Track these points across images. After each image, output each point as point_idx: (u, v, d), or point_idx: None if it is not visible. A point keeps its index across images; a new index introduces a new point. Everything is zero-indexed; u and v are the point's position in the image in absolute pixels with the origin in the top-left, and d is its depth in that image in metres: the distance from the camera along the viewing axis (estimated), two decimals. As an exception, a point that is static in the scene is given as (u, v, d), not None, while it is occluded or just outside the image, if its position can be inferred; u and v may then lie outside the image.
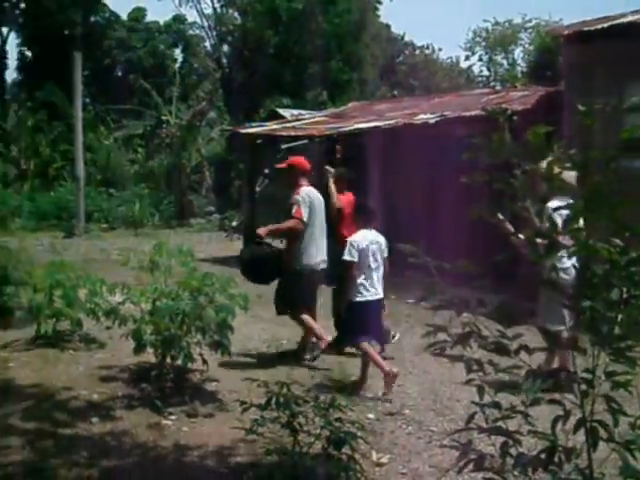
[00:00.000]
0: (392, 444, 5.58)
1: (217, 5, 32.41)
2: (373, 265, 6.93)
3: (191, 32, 50.07)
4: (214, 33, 32.87)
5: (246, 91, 29.78)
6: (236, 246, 17.74)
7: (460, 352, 3.02)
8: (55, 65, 36.79)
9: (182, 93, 32.05)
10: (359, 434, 4.53)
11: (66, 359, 7.78)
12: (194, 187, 27.91)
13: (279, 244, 8.82)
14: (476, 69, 47.20)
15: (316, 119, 18.70)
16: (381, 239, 7.09)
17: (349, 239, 7.04)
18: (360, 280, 6.86)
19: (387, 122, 14.37)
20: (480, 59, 43.82)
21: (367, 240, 6.95)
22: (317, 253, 7.80)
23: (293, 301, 7.76)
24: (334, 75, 32.17)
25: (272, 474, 4.38)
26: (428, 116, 13.56)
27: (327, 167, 9.24)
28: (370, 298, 6.92)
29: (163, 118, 29.03)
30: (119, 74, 48.43)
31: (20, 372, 7.27)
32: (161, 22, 52.50)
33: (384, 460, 5.20)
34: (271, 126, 18.19)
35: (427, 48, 45.54)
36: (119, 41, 48.58)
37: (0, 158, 29.15)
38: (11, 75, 52.38)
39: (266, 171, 20.95)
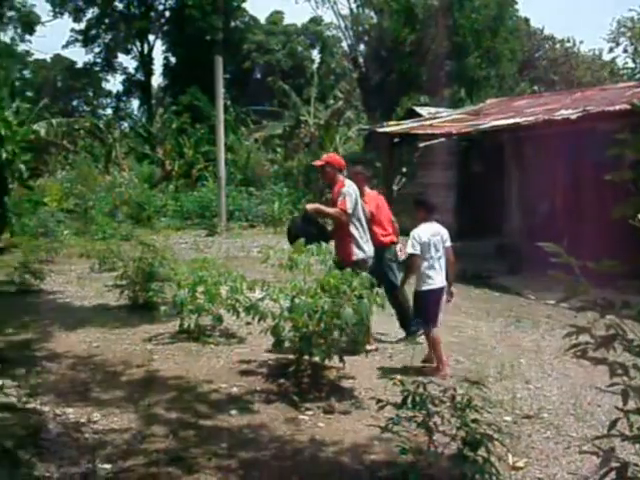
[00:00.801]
0: (529, 448, 5.45)
1: (353, 5, 32.57)
2: (435, 256, 7.37)
3: (328, 33, 50.70)
4: (351, 33, 33.04)
5: (383, 90, 29.78)
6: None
7: (603, 355, 2.92)
8: (198, 70, 38.11)
9: (320, 93, 32.43)
10: (495, 436, 4.44)
11: (207, 353, 8.04)
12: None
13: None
14: (620, 61, 45.30)
15: (453, 117, 18.49)
16: (443, 231, 7.54)
17: (411, 233, 7.44)
18: (424, 270, 7.31)
19: (526, 119, 14.01)
20: (625, 51, 41.84)
21: (428, 233, 7.40)
22: (365, 244, 7.99)
23: None
24: (471, 71, 31.69)
25: (407, 473, 4.37)
26: (569, 112, 13.13)
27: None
28: (434, 287, 7.34)
29: (301, 118, 29.44)
30: (258, 76, 49.58)
31: (164, 364, 7.59)
32: (299, 24, 53.41)
33: (520, 464, 5.08)
34: (408, 124, 18.12)
35: (568, 41, 43.99)
36: (258, 44, 49.74)
37: (146, 160, 30.48)
38: (157, 80, 54.66)
39: (404, 170, 20.91)
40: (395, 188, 18.51)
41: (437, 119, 18.45)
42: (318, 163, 8.53)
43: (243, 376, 7.13)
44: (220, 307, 8.51)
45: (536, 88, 34.24)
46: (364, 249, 7.93)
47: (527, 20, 43.04)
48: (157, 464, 4.98)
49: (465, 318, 10.08)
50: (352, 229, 7.90)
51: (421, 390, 4.64)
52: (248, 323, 8.41)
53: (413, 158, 20.69)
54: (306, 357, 6.73)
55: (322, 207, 8.29)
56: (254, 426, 5.77)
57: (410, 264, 7.50)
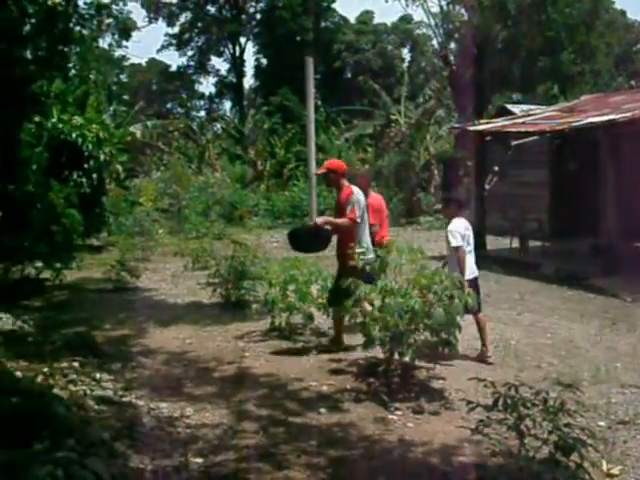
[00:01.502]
0: (624, 455, 5.29)
1: (443, 3, 32.19)
2: (468, 248, 7.94)
3: (418, 31, 50.35)
4: (441, 31, 32.68)
5: (474, 88, 29.32)
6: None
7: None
8: (288, 70, 38.44)
9: (410, 92, 32.28)
10: (589, 441, 4.32)
11: (298, 351, 8.12)
12: (423, 185, 27.95)
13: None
14: None
15: (547, 114, 18.07)
16: (470, 226, 8.16)
17: (450, 228, 7.91)
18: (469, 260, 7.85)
19: (623, 115, 13.58)
20: None
21: (463, 227, 7.97)
22: (367, 250, 7.90)
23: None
24: (565, 67, 30.96)
25: (497, 476, 4.31)
26: (670, 107, 12.67)
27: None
28: (473, 276, 7.82)
29: (392, 117, 29.32)
30: (348, 76, 49.63)
31: (255, 362, 7.71)
32: (388, 23, 53.25)
33: (615, 471, 4.93)
34: (500, 122, 17.83)
35: (667, 33, 42.60)
36: (348, 44, 49.79)
37: (239, 160, 30.91)
38: (248, 82, 55.42)
39: (495, 168, 20.58)
40: (487, 187, 18.22)
41: (530, 116, 18.08)
42: (321, 171, 8.66)
43: (333, 375, 7.17)
44: (311, 306, 8.58)
45: (633, 83, 33.16)
46: (367, 254, 7.84)
47: (624, 13, 41.83)
48: (247, 459, 5.07)
49: (558, 319, 9.86)
50: (358, 235, 7.94)
51: (512, 392, 4.56)
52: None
53: (505, 156, 20.36)
54: (396, 357, 6.71)
55: (332, 219, 8.32)
56: (343, 425, 5.79)
57: (460, 255, 7.78)
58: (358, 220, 7.88)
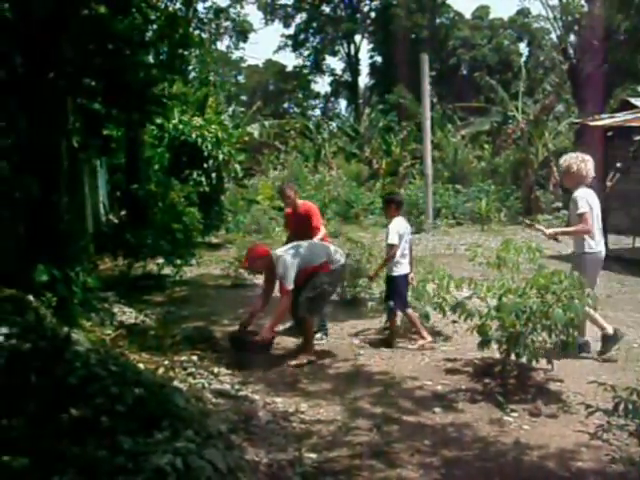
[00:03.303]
0: None
1: (563, -6, 31.30)
2: (406, 246, 8.41)
3: (536, 25, 49.19)
4: (560, 23, 31.77)
5: (595, 81, 28.38)
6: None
7: None
8: (403, 68, 38.32)
9: (528, 87, 31.56)
10: None
11: (413, 350, 8.10)
12: (541, 182, 27.32)
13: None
14: None
15: (674, 107, 17.33)
16: (409, 225, 8.66)
17: (390, 227, 8.33)
18: (398, 259, 8.28)
19: None
20: None
21: (403, 227, 8.40)
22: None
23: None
24: (697, 58, 29.51)
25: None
26: None
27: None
28: (403, 273, 8.34)
29: (509, 114, 28.78)
30: (464, 72, 49.06)
31: (370, 359, 7.74)
32: (505, 18, 52.30)
33: None
34: (623, 117, 17.20)
35: None
36: (464, 40, 49.24)
37: (354, 158, 31.04)
38: (363, 80, 55.60)
39: (618, 165, 19.87)
40: (608, 184, 17.63)
41: (656, 110, 17.36)
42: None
43: (448, 374, 7.12)
44: (427, 305, 8.54)
45: None
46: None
47: None
48: (360, 457, 5.09)
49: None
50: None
51: (634, 397, 4.41)
52: (454, 321, 8.39)
53: (628, 152, 19.63)
54: (513, 357, 6.60)
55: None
56: (458, 425, 5.74)
57: (392, 253, 8.26)
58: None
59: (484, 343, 6.68)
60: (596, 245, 7.62)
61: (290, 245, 8.05)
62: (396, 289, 8.33)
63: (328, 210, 23.57)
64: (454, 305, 7.15)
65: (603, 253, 7.77)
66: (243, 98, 52.89)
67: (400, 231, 8.34)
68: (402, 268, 8.36)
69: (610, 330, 7.59)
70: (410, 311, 8.40)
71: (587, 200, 7.58)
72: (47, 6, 7.95)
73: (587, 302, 6.32)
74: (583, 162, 7.79)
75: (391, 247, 8.27)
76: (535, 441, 5.35)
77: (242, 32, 47.41)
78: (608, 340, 7.59)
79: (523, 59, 47.31)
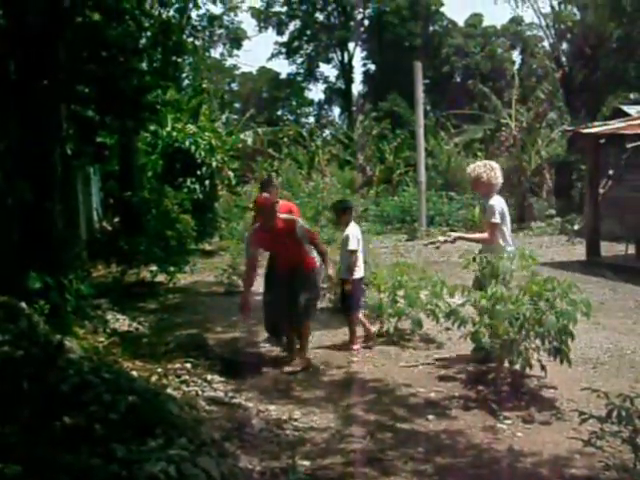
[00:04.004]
0: None
1: (555, 2, 31.47)
2: (362, 250, 8.75)
3: (529, 33, 49.44)
4: (552, 32, 31.95)
5: (587, 89, 28.57)
6: (578, 250, 17.15)
7: None
8: (397, 75, 38.44)
9: (521, 95, 31.62)
10: None
11: (405, 357, 8.10)
12: (534, 190, 27.39)
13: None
14: None
15: (667, 115, 17.41)
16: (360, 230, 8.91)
17: (349, 233, 8.47)
18: (358, 262, 8.49)
19: None
20: None
21: (358, 232, 8.65)
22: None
23: None
24: (686, 66, 29.67)
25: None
26: None
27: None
28: (359, 276, 8.53)
29: (502, 121, 28.85)
30: (457, 80, 49.21)
31: (363, 367, 7.74)
32: (498, 26, 52.53)
33: None
34: (615, 124, 17.27)
35: None
36: (457, 48, 49.39)
37: (348, 166, 31.08)
38: (357, 88, 55.75)
39: (610, 172, 19.96)
40: (601, 191, 17.69)
41: (648, 118, 17.44)
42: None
43: (441, 381, 7.12)
44: (420, 312, 8.55)
45: None
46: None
47: None
48: (354, 464, 5.09)
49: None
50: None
51: (627, 404, 4.42)
52: (447, 329, 8.39)
53: (621, 160, 19.72)
54: (506, 365, 6.61)
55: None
56: (451, 432, 5.74)
57: (354, 259, 8.41)
58: None
59: (477, 350, 6.68)
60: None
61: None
62: (354, 292, 8.44)
63: (322, 217, 23.56)
64: (447, 312, 7.15)
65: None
66: (237, 105, 52.94)
67: (358, 236, 8.56)
68: (359, 272, 8.51)
69: None
70: (360, 315, 8.60)
71: (501, 210, 7.80)
72: (41, 13, 7.96)
73: (581, 309, 6.32)
74: (492, 170, 7.89)
75: (353, 252, 8.42)
76: (528, 448, 5.35)
77: (236, 39, 47.49)
78: None
79: (516, 67, 47.40)
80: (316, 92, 57.96)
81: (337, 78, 55.54)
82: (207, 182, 17.49)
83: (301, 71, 56.07)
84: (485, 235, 7.84)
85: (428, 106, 34.27)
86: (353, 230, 8.56)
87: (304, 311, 7.74)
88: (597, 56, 29.23)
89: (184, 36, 11.29)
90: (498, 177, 7.94)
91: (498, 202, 7.86)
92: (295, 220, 7.92)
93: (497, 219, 7.70)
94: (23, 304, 6.75)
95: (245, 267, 8.17)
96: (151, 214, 12.96)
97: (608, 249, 16.18)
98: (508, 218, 7.96)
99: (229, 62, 51.67)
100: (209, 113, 20.23)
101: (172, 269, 12.49)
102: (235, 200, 23.57)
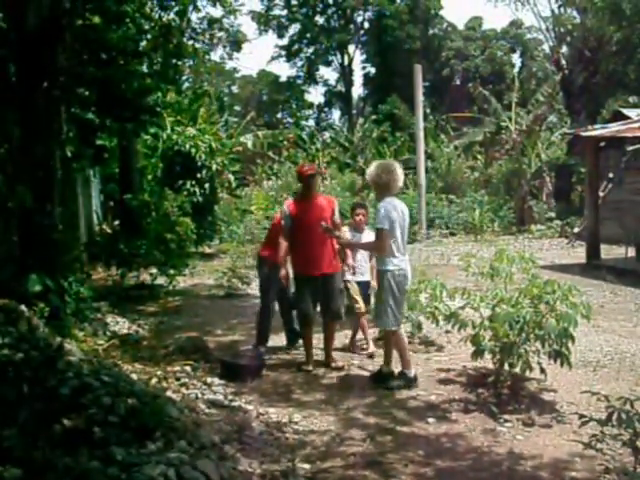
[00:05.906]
0: None
1: (554, 6, 31.46)
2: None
3: (529, 36, 49.51)
4: (552, 34, 31.95)
5: (587, 92, 28.55)
6: (578, 253, 17.16)
7: None
8: (397, 78, 38.45)
9: (521, 98, 31.67)
10: None
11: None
12: (534, 193, 27.41)
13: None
14: None
15: (666, 118, 17.41)
16: None
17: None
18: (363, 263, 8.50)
19: None
20: None
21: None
22: None
23: None
24: (686, 69, 29.70)
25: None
26: None
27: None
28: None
29: (502, 124, 28.88)
30: (457, 83, 49.22)
31: (363, 369, 7.74)
32: (498, 29, 52.61)
33: None
34: (615, 127, 17.29)
35: None
36: (457, 51, 49.44)
37: (348, 169, 31.11)
38: (357, 91, 55.78)
39: (610, 175, 19.97)
40: (601, 194, 17.70)
41: (648, 121, 17.44)
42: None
43: (441, 384, 7.11)
44: (420, 314, 8.54)
45: None
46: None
47: None
48: (354, 467, 5.08)
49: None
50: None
51: (627, 407, 4.41)
52: (447, 331, 8.39)
53: (620, 163, 19.74)
54: (506, 367, 6.61)
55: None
56: (451, 435, 5.73)
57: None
58: None
59: (477, 353, 6.68)
60: (399, 262, 7.00)
61: None
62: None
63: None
64: (447, 315, 7.15)
65: (408, 271, 7.15)
66: (237, 108, 53.00)
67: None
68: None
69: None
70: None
71: (390, 215, 6.90)
72: (41, 16, 7.97)
73: (581, 312, 6.31)
74: (390, 173, 7.07)
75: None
76: (529, 451, 5.34)
77: (236, 42, 47.51)
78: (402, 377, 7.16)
79: (516, 70, 47.46)
80: (316, 95, 58.26)
81: (337, 81, 55.64)
82: (207, 185, 17.51)
83: (301, 74, 56.09)
84: (374, 243, 7.18)
85: (428, 109, 34.22)
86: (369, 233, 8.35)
87: (339, 308, 7.89)
88: (597, 59, 29.22)
89: (184, 39, 11.28)
90: (396, 180, 7.08)
91: (387, 206, 6.96)
92: (334, 201, 8.06)
93: (384, 225, 6.84)
94: (23, 307, 6.76)
95: (282, 236, 7.78)
96: (151, 217, 12.96)
97: (608, 252, 16.19)
98: (406, 222, 7.12)
99: (229, 65, 51.80)
100: (209, 116, 20.25)
101: (172, 272, 12.49)
102: (235, 203, 23.61)
